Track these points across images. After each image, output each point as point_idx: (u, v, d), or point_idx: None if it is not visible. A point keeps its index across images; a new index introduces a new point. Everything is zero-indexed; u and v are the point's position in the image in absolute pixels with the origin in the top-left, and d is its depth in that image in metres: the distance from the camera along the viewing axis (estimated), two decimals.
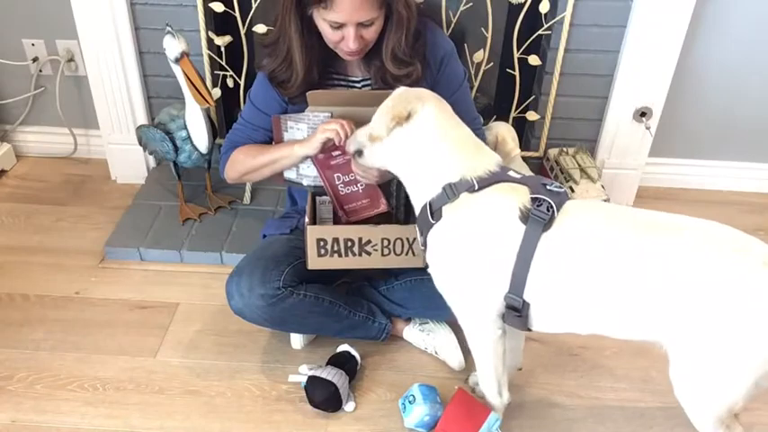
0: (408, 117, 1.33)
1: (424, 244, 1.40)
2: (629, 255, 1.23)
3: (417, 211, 1.40)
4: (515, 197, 1.29)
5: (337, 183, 1.60)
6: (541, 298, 1.31)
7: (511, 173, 1.35)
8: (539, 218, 1.26)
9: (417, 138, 1.35)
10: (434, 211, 1.34)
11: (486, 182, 1.31)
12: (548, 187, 1.30)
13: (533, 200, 1.28)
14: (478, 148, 1.38)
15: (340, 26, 1.43)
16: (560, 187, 1.31)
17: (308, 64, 1.51)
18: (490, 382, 1.52)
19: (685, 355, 1.26)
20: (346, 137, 1.47)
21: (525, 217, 1.27)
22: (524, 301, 1.31)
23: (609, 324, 1.31)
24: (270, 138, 1.65)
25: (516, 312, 1.34)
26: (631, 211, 1.34)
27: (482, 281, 1.34)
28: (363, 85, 1.62)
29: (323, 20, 1.44)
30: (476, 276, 1.35)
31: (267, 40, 1.57)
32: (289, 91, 1.56)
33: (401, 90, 1.40)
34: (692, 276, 1.19)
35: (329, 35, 1.46)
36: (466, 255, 1.33)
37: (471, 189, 1.30)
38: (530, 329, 1.38)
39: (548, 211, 1.26)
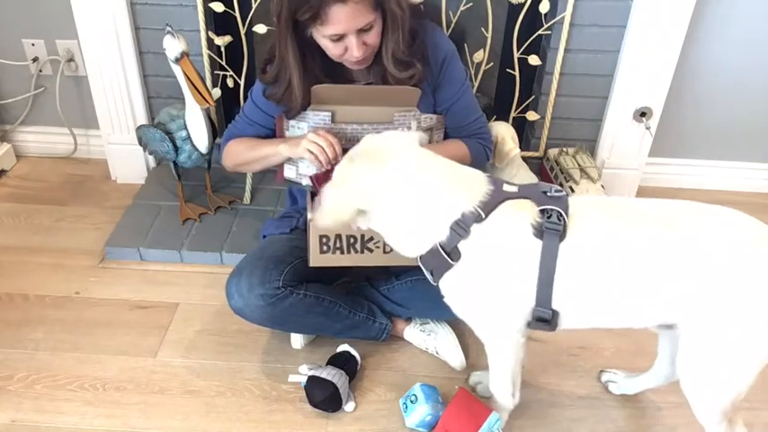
0: (361, 213, 1.31)
1: (437, 281, 1.36)
2: (649, 248, 1.22)
3: (416, 255, 1.35)
4: (524, 214, 1.26)
5: None
6: (570, 305, 1.30)
7: (505, 186, 1.31)
8: (553, 230, 1.24)
9: (387, 218, 1.32)
10: (450, 251, 1.29)
11: (489, 206, 1.27)
12: (548, 194, 1.29)
13: (542, 212, 1.26)
14: (459, 177, 1.32)
15: (341, 38, 1.44)
16: (559, 191, 1.30)
17: (307, 90, 1.53)
18: (505, 385, 1.51)
19: (695, 342, 1.26)
20: (328, 162, 1.46)
21: (540, 232, 1.25)
22: (554, 311, 1.31)
23: (635, 315, 1.31)
24: (264, 134, 1.69)
25: (546, 323, 1.34)
26: (638, 203, 1.33)
27: (508, 304, 1.33)
28: None
29: (322, 36, 1.45)
30: (502, 302, 1.33)
31: (268, 78, 1.58)
32: (290, 114, 1.59)
33: (344, 175, 1.32)
34: (705, 264, 1.20)
35: (333, 50, 1.48)
36: (492, 286, 1.31)
37: (479, 219, 1.26)
38: (554, 330, 1.37)
39: (559, 220, 1.24)
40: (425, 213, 1.30)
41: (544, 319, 1.32)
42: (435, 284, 1.38)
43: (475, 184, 1.31)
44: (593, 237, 1.25)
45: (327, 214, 1.32)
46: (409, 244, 1.35)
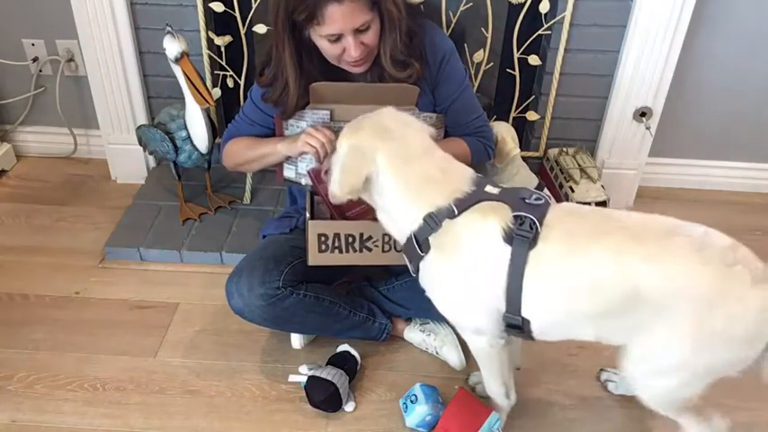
0: (366, 180, 1.32)
1: (416, 272, 1.38)
2: (611, 265, 1.21)
3: (402, 243, 1.38)
4: (496, 217, 1.27)
5: None
6: (539, 314, 1.30)
7: (488, 188, 1.32)
8: (523, 237, 1.24)
9: (380, 191, 1.34)
10: (421, 242, 1.32)
11: (464, 204, 1.28)
12: (527, 201, 1.28)
13: (515, 218, 1.26)
14: (447, 172, 1.34)
15: (338, 38, 1.44)
16: (540, 198, 1.29)
17: (304, 93, 1.54)
18: (497, 387, 1.52)
19: (642, 355, 1.28)
20: (326, 156, 1.46)
21: (509, 237, 1.25)
22: (524, 319, 1.31)
23: (607, 332, 1.31)
24: (264, 133, 1.69)
25: (517, 330, 1.34)
26: (616, 216, 1.31)
27: (478, 305, 1.34)
28: None
29: (320, 37, 1.45)
30: (471, 302, 1.34)
31: (265, 81, 1.58)
32: (285, 116, 1.59)
33: (349, 143, 1.32)
34: (656, 285, 1.19)
35: (330, 51, 1.48)
36: (458, 283, 1.33)
37: (451, 215, 1.28)
38: (533, 339, 1.37)
39: (530, 228, 1.24)
40: (405, 200, 1.32)
41: (515, 326, 1.32)
42: (414, 275, 1.40)
43: (457, 180, 1.32)
44: (561, 247, 1.25)
45: (336, 175, 1.33)
46: (391, 225, 1.39)
